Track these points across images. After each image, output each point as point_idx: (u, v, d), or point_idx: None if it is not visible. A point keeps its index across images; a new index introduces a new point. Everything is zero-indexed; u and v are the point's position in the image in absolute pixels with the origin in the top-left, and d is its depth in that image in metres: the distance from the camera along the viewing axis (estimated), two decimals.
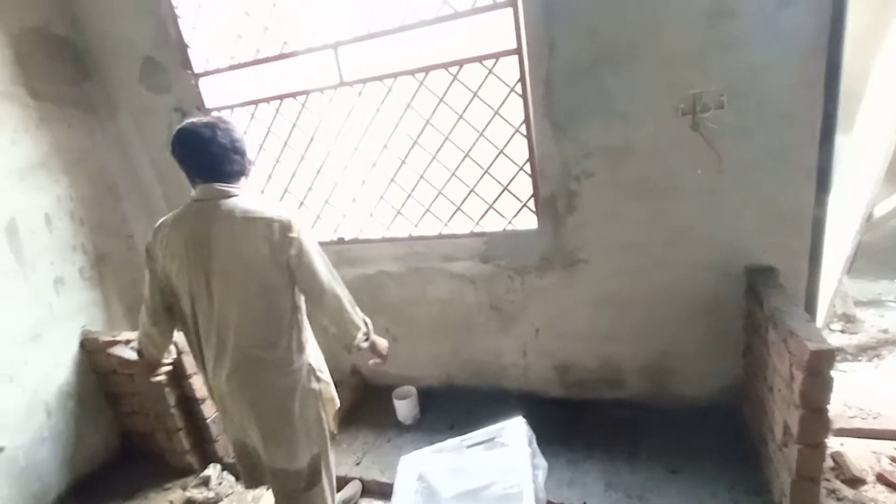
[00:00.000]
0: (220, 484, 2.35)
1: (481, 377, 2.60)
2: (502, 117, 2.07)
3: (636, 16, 1.78)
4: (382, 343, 1.65)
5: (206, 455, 2.43)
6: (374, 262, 2.56)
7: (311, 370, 1.52)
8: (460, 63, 2.03)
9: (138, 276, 2.73)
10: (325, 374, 1.58)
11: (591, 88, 1.91)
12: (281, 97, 2.38)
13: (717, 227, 1.96)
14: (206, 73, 2.44)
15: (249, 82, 2.54)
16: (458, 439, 1.76)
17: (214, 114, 2.44)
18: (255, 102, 2.43)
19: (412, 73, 2.12)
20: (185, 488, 2.32)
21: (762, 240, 1.92)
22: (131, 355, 1.79)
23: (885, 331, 2.77)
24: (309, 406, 1.51)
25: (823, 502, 1.69)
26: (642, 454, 2.04)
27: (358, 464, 2.28)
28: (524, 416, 1.77)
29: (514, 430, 1.66)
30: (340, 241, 2.57)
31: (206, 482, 2.34)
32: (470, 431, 1.80)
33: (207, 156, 1.38)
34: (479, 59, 1.99)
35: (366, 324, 1.55)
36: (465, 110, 2.13)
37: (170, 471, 2.40)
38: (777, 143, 1.79)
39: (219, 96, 2.51)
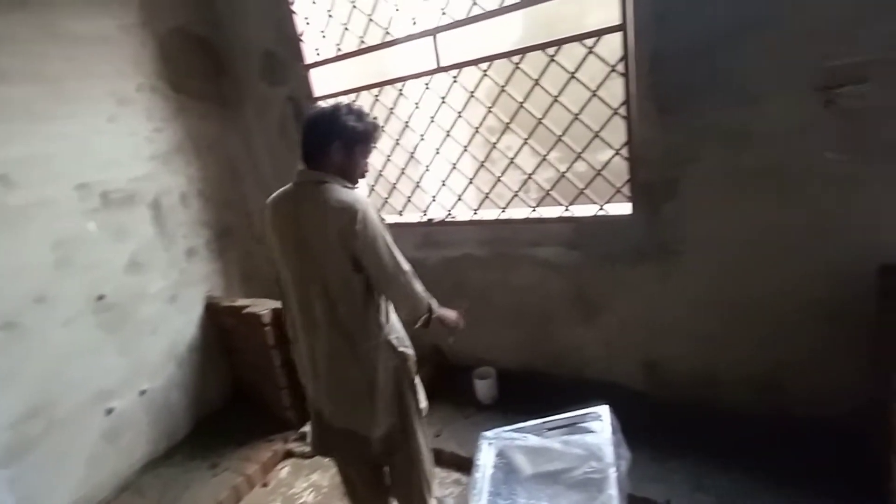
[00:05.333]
0: None
1: (562, 365, 2.57)
2: (600, 98, 2.01)
3: None
4: (449, 316, 1.68)
5: (304, 413, 2.66)
6: (460, 246, 2.63)
7: (391, 346, 1.56)
8: (559, 43, 1.99)
9: (253, 250, 3.07)
10: (408, 350, 1.62)
11: (706, 66, 1.77)
12: (381, 84, 2.51)
13: (850, 220, 1.73)
14: (315, 64, 2.64)
15: (352, 71, 2.71)
16: (539, 421, 1.76)
17: (345, 101, 2.45)
18: (357, 90, 2.59)
19: (509, 56, 2.12)
20: (285, 441, 2.60)
21: None
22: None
23: None
24: (389, 379, 1.56)
25: None
26: (739, 461, 1.90)
27: (437, 436, 2.38)
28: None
29: (599, 417, 1.63)
30: (429, 222, 2.66)
31: (303, 437, 2.59)
32: (549, 416, 1.80)
33: (309, 142, 1.49)
34: (580, 38, 1.94)
35: (430, 308, 1.58)
36: (560, 92, 2.09)
37: (274, 423, 2.68)
38: None
39: (326, 85, 2.71)
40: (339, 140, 1.46)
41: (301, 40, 2.62)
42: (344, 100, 1.55)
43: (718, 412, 2.13)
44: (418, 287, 1.55)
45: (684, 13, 1.75)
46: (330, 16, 2.51)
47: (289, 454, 2.56)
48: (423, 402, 1.71)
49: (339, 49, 2.53)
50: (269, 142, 2.98)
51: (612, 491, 1.38)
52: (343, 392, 1.59)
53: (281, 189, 1.55)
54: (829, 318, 1.85)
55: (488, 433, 1.77)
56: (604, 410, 1.63)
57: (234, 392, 2.93)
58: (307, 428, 2.61)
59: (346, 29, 2.47)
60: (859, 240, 1.74)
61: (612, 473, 1.41)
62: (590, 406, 1.76)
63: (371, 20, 2.39)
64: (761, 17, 1.66)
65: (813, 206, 1.77)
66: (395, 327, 1.61)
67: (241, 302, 2.67)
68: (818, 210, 1.77)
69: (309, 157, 1.50)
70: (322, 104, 1.54)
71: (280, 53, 2.72)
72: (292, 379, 2.62)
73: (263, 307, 2.53)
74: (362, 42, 2.45)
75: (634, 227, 2.12)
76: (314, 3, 2.53)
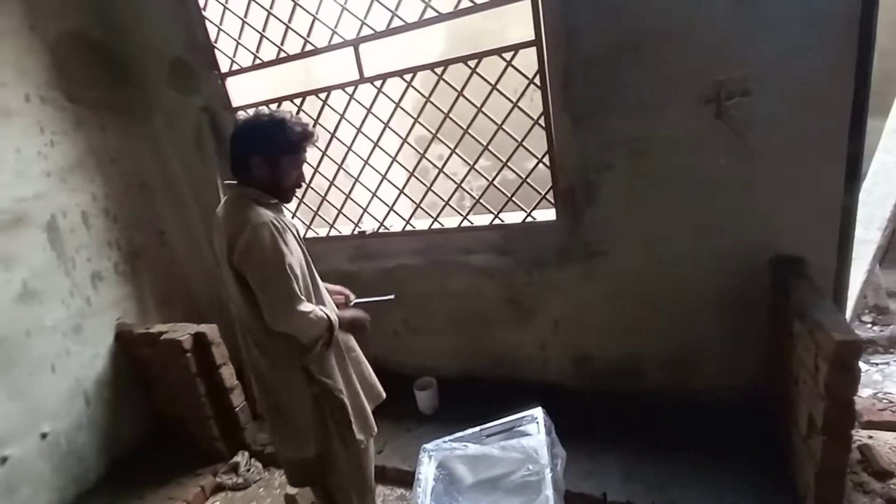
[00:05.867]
0: (248, 470, 2.44)
1: (500, 369, 2.62)
2: (521, 109, 2.08)
3: (663, 2, 1.75)
4: (356, 317, 1.57)
5: (235, 442, 2.52)
6: (394, 256, 2.60)
7: (308, 374, 1.44)
8: (479, 56, 2.04)
9: (171, 270, 2.85)
10: (332, 381, 1.48)
11: (612, 79, 1.89)
12: (303, 94, 2.43)
13: (742, 218, 1.92)
14: (231, 73, 2.51)
15: (274, 80, 2.60)
16: (477, 429, 1.79)
17: (278, 108, 2.29)
18: (279, 101, 2.48)
19: (431, 67, 2.13)
20: (215, 474, 2.42)
21: (789, 231, 1.88)
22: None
23: None
24: (305, 407, 1.45)
25: (850, 495, 1.66)
26: (663, 447, 2.03)
27: (380, 452, 2.33)
28: (543, 407, 1.78)
29: (533, 420, 1.68)
30: (361, 234, 2.61)
31: (235, 468, 2.43)
32: (489, 421, 1.83)
33: (231, 156, 1.42)
34: (498, 52, 1.99)
35: (329, 327, 1.42)
36: (483, 103, 2.14)
37: (201, 456, 2.50)
38: (805, 129, 1.74)
39: (245, 95, 2.58)
40: (259, 155, 1.37)
41: (215, 47, 2.48)
42: (274, 108, 1.48)
43: (644, 402, 2.26)
44: (307, 310, 1.36)
45: (591, 30, 1.86)
46: (245, 23, 2.39)
47: (219, 488, 2.39)
48: (361, 434, 1.55)
49: (256, 58, 2.42)
50: (184, 155, 2.78)
51: (548, 492, 1.42)
52: (262, 409, 1.60)
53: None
54: (735, 308, 2.04)
55: (428, 445, 1.77)
56: (538, 412, 1.68)
57: (155, 427, 2.69)
58: (238, 458, 2.46)
59: (264, 37, 2.37)
60: (753, 236, 1.93)
61: (548, 474, 1.45)
62: (527, 407, 1.81)
63: (290, 28, 2.31)
64: (658, 34, 1.80)
65: (713, 207, 1.94)
66: (316, 355, 1.45)
67: (158, 328, 2.46)
68: (717, 210, 1.94)
69: (234, 172, 1.43)
70: (244, 114, 1.45)
71: (191, 61, 2.55)
72: (220, 407, 2.46)
73: (184, 332, 2.35)
74: (281, 51, 2.36)
75: (559, 231, 2.21)
76: (225, 7, 2.40)
